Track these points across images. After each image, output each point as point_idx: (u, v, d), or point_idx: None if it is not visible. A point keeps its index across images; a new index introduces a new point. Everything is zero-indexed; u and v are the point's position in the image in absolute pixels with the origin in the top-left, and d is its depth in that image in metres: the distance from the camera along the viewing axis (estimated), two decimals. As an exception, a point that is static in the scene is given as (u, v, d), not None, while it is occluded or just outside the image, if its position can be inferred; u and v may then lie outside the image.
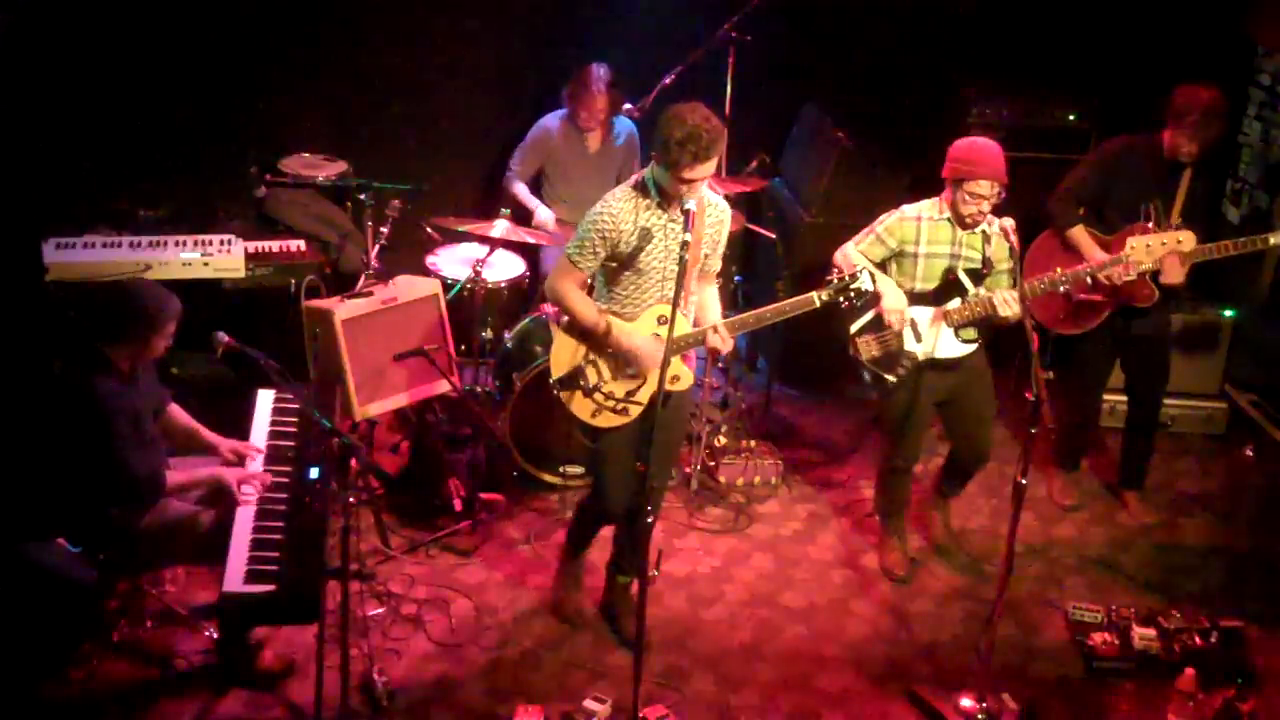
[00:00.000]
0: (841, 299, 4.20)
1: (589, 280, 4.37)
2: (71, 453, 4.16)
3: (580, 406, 4.35)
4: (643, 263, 4.18)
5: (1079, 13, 6.76)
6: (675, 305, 4.00)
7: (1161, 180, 5.18)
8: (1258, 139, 6.82)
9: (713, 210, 4.28)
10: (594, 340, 4.27)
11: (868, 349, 4.88)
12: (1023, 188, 6.40)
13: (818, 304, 4.22)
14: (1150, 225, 5.12)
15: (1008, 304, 4.61)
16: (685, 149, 3.92)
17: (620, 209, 4.12)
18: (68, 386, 4.16)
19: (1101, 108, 6.59)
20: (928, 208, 4.80)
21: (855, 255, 4.81)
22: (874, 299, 4.55)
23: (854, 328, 4.88)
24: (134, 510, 4.24)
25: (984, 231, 4.75)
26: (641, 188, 4.15)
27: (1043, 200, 5.37)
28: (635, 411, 4.33)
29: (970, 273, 4.76)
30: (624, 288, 4.25)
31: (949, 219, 4.76)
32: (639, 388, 4.33)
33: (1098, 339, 5.40)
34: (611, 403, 4.32)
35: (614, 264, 4.20)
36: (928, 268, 4.80)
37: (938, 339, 4.83)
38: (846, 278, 4.19)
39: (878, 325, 4.86)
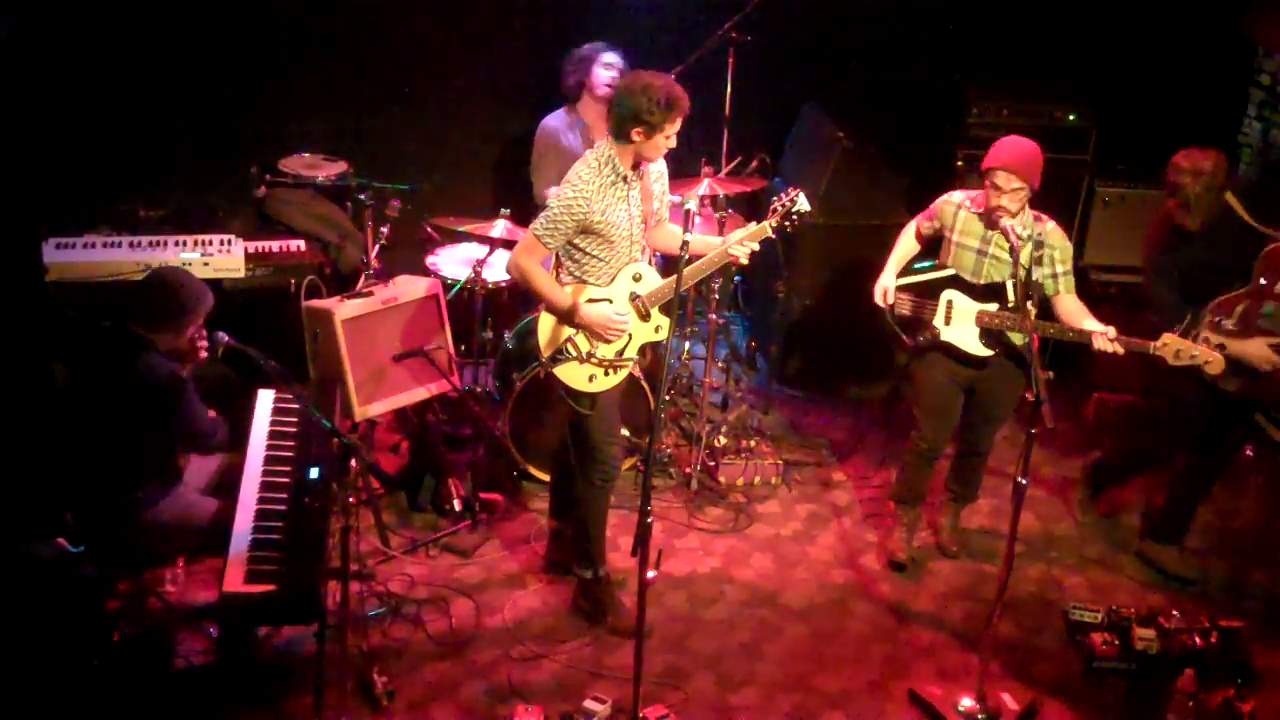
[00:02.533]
0: (787, 224, 4.52)
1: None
2: (126, 434, 4.24)
3: (576, 376, 4.52)
4: (612, 233, 4.40)
5: (1079, 13, 6.76)
6: (680, 272, 4.18)
7: (1194, 247, 4.95)
8: (1258, 139, 6.82)
9: (653, 167, 4.55)
10: (566, 315, 4.45)
11: (901, 305, 5.03)
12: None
13: (770, 232, 4.53)
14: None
15: (1104, 338, 4.64)
16: (671, 109, 4.24)
17: (591, 191, 4.33)
18: (127, 369, 4.22)
19: (1101, 108, 6.59)
20: (971, 197, 4.91)
21: (907, 232, 5.11)
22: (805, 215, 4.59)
23: (901, 282, 5.01)
24: (146, 500, 4.29)
25: (1028, 237, 4.75)
26: (602, 166, 4.36)
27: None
28: (626, 368, 4.59)
29: (1020, 288, 4.77)
30: (595, 258, 4.45)
31: (980, 214, 4.84)
32: (626, 345, 4.56)
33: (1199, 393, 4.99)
34: (604, 367, 4.53)
35: (585, 237, 4.40)
36: (958, 255, 4.91)
37: (962, 331, 4.90)
38: (787, 203, 4.47)
39: (920, 291, 4.98)
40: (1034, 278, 4.78)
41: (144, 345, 4.24)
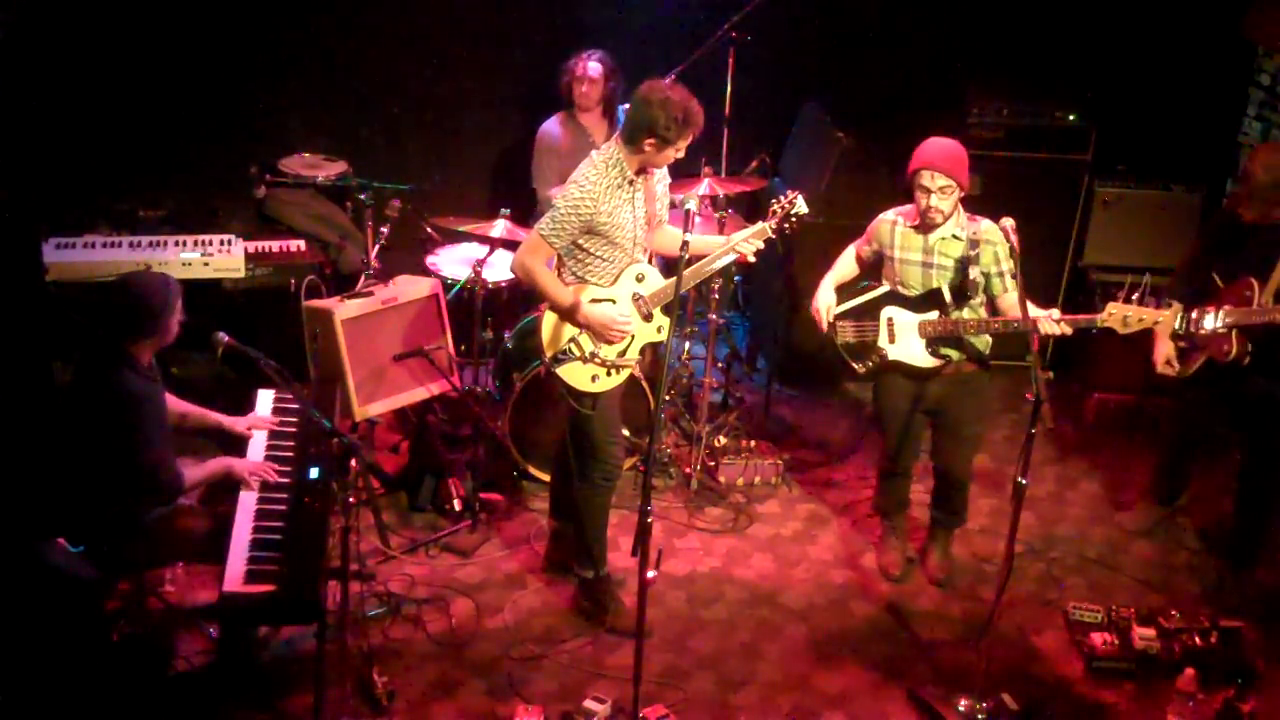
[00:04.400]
0: (786, 225, 4.58)
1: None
2: (95, 449, 4.19)
3: (579, 376, 4.53)
4: (616, 235, 4.41)
5: (1078, 13, 6.76)
6: (680, 270, 4.19)
7: (1257, 244, 4.85)
8: (1258, 139, 6.82)
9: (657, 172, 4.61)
10: (570, 315, 4.46)
11: (844, 333, 4.95)
12: (1022, 188, 6.41)
13: (770, 233, 4.58)
14: (1252, 284, 4.81)
15: (1052, 322, 4.56)
16: (687, 125, 4.28)
17: (598, 192, 4.34)
18: (94, 384, 4.19)
19: (1101, 108, 6.59)
20: (903, 212, 4.85)
21: (847, 253, 5.04)
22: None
23: (839, 309, 4.94)
24: (145, 506, 4.26)
25: (965, 238, 4.68)
26: (609, 168, 4.37)
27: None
28: (628, 368, 4.60)
29: (956, 290, 4.76)
30: (599, 258, 4.46)
31: (915, 226, 4.79)
32: (628, 345, 4.58)
33: (1199, 392, 5.10)
34: (606, 367, 4.54)
35: (589, 237, 4.40)
36: (904, 272, 4.84)
37: (909, 346, 4.85)
38: (786, 205, 4.55)
39: (859, 314, 4.92)
40: (971, 276, 4.71)
41: (119, 360, 4.19)
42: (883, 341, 4.87)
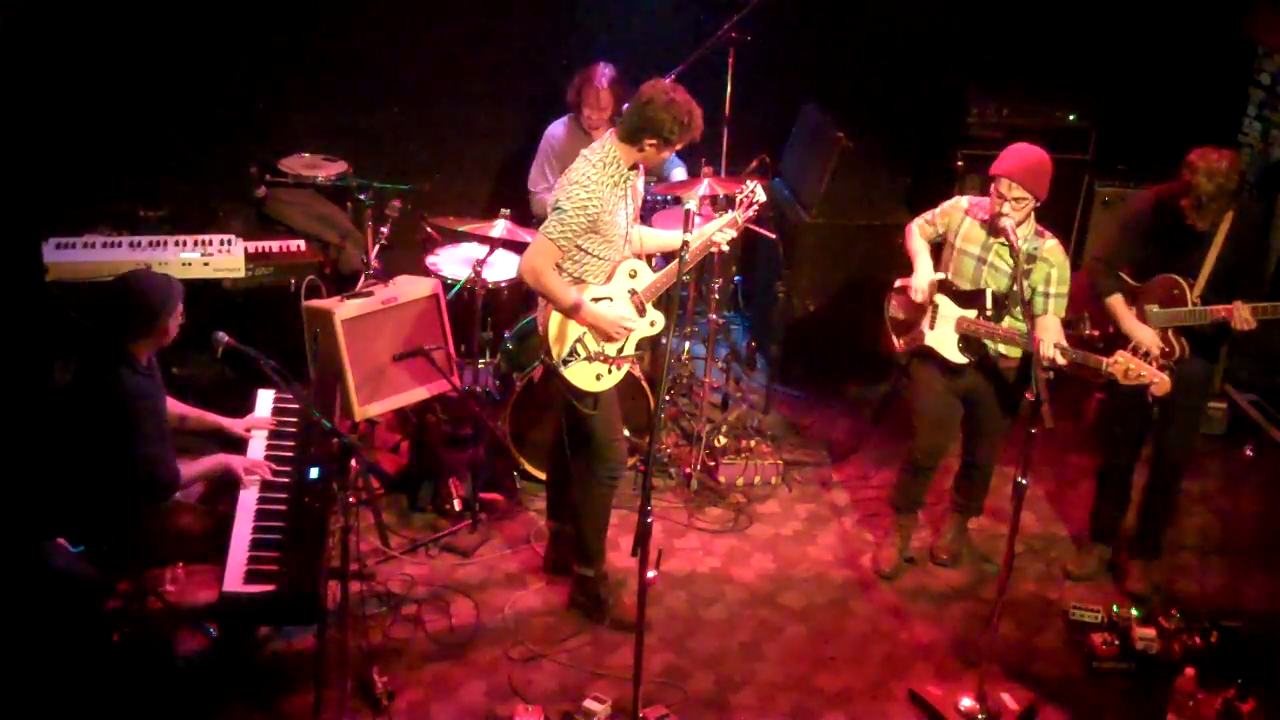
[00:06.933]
0: (750, 211, 4.76)
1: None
2: (93, 446, 4.19)
3: (585, 376, 4.55)
4: (613, 233, 4.45)
5: (1079, 13, 6.76)
6: (678, 270, 4.23)
7: (1186, 243, 4.77)
8: (1258, 139, 6.82)
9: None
10: (574, 315, 4.49)
11: (893, 308, 5.07)
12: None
13: (740, 222, 4.76)
14: (1179, 283, 4.79)
15: (1047, 346, 4.55)
16: (689, 130, 4.36)
17: (601, 191, 4.36)
18: (92, 381, 4.20)
19: (1101, 108, 6.59)
20: (978, 204, 4.90)
21: (915, 234, 5.05)
22: (766, 207, 4.89)
23: (898, 283, 5.04)
24: (144, 506, 4.25)
25: (1024, 250, 4.65)
26: (607, 166, 4.39)
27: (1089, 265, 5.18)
28: (626, 364, 4.67)
29: (999, 298, 4.79)
30: (595, 257, 4.47)
31: (983, 221, 4.82)
32: (625, 341, 4.62)
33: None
34: (609, 364, 4.57)
35: (588, 236, 4.42)
36: (959, 263, 4.89)
37: (944, 336, 4.91)
38: (749, 193, 4.73)
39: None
40: (1014, 288, 4.73)
41: (118, 358, 4.21)
42: (924, 325, 4.95)
